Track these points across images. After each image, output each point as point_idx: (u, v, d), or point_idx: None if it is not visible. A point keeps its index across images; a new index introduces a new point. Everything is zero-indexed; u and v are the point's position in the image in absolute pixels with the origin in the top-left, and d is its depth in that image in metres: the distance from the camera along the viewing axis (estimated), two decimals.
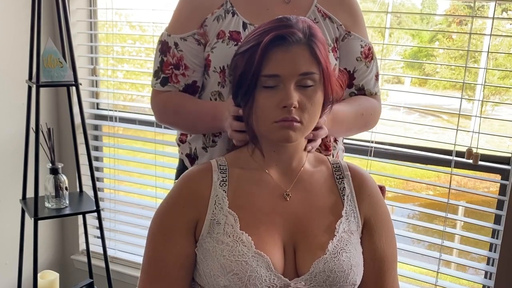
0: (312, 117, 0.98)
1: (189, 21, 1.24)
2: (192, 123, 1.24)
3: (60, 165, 1.93)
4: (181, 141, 1.35)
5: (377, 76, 1.33)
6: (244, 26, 1.21)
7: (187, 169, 1.31)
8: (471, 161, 1.78)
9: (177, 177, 1.40)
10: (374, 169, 1.96)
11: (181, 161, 1.37)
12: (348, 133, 1.34)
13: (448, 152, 1.84)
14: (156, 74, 1.26)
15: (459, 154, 1.81)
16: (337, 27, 1.25)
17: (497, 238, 1.83)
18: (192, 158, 1.32)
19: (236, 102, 1.04)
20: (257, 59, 0.95)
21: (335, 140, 1.31)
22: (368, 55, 1.29)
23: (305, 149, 1.06)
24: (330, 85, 1.00)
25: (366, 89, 1.32)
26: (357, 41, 1.27)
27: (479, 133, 1.75)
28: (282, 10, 1.21)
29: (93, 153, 2.36)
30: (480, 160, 1.78)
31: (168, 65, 1.24)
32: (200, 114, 1.22)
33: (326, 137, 1.17)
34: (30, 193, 1.94)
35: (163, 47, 1.25)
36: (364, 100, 1.30)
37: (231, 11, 1.22)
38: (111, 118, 2.43)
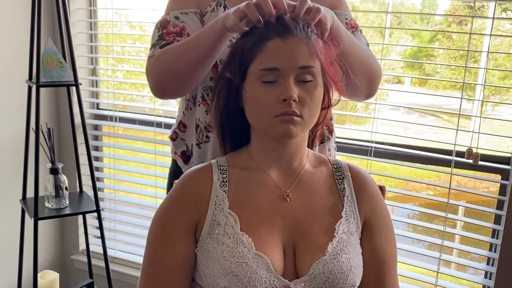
0: (312, 112, 0.98)
1: (187, 2, 1.23)
2: (191, 46, 1.13)
3: (60, 165, 1.93)
4: (172, 138, 1.34)
5: (367, 46, 1.31)
6: None
7: (180, 169, 1.32)
8: (471, 161, 1.78)
9: (170, 177, 1.40)
10: (374, 169, 1.96)
11: (174, 161, 1.37)
12: (351, 55, 1.14)
13: (448, 152, 1.84)
14: (154, 46, 1.20)
15: (459, 154, 1.81)
16: None
17: (497, 238, 1.83)
18: (187, 156, 1.32)
19: (219, 100, 1.03)
20: (253, 51, 0.95)
21: (328, 137, 1.31)
22: (355, 26, 1.28)
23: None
24: (330, 78, 1.00)
25: None
26: (342, 16, 1.26)
27: (479, 133, 1.75)
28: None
29: (93, 153, 2.36)
30: (480, 160, 1.78)
31: (169, 34, 1.19)
32: (199, 34, 1.13)
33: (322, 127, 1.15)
34: (30, 193, 1.94)
35: (163, 23, 1.22)
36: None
37: (223, 4, 1.23)
38: (111, 118, 2.43)
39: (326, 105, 1.04)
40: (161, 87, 1.20)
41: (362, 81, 1.19)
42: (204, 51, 1.11)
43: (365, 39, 1.32)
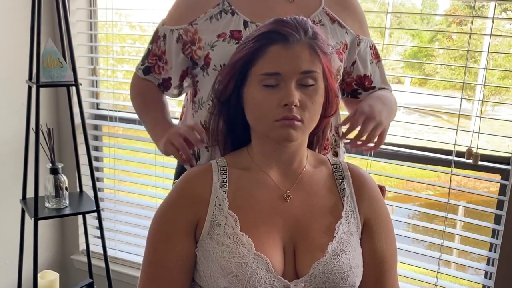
0: (313, 116, 0.98)
1: (183, 15, 1.26)
2: (146, 126, 1.35)
3: (60, 165, 1.93)
4: None
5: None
6: (245, 24, 1.20)
7: (186, 169, 1.32)
8: (471, 161, 1.78)
9: (176, 177, 1.40)
10: (374, 169, 1.96)
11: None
12: (391, 115, 1.29)
13: (448, 152, 1.84)
14: (142, 60, 1.32)
15: (459, 154, 1.81)
16: (346, 32, 1.26)
17: (497, 238, 1.83)
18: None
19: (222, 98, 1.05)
20: (256, 54, 0.95)
21: (336, 140, 1.31)
22: (376, 55, 1.33)
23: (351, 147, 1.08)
24: (329, 85, 1.00)
25: (378, 88, 1.36)
26: (367, 45, 1.31)
27: (479, 133, 1.75)
28: (286, 9, 1.20)
29: (93, 153, 2.36)
30: (480, 160, 1.78)
31: (153, 55, 1.30)
32: (154, 126, 1.32)
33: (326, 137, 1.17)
34: (30, 193, 1.94)
35: (155, 36, 1.30)
36: (383, 92, 1.34)
37: (230, 10, 1.21)
38: (111, 118, 2.43)
39: (324, 110, 1.03)
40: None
41: None
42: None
43: (383, 68, 1.37)
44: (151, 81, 1.32)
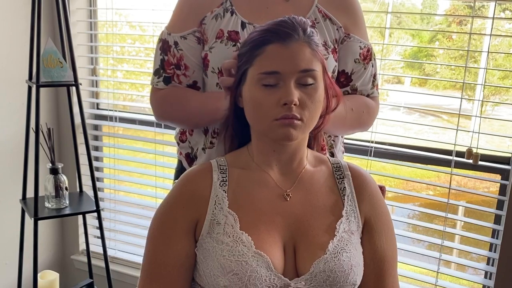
0: (313, 115, 0.98)
1: (188, 19, 1.24)
2: (197, 111, 1.23)
3: (60, 165, 1.93)
4: (181, 140, 1.35)
5: (374, 76, 1.32)
6: (243, 25, 1.21)
7: (185, 169, 1.32)
8: (471, 161, 1.79)
9: (176, 177, 1.40)
10: (374, 169, 1.96)
11: (180, 162, 1.38)
12: (340, 128, 1.28)
13: (448, 152, 1.84)
14: (157, 73, 1.26)
15: (459, 154, 1.81)
16: (337, 29, 1.25)
17: (497, 238, 1.83)
18: (191, 158, 1.32)
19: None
20: (255, 53, 0.96)
21: (333, 140, 1.31)
22: (367, 57, 1.29)
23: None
24: (328, 83, 1.01)
25: (359, 90, 1.31)
26: (356, 43, 1.27)
27: (479, 133, 1.75)
28: (282, 9, 1.21)
29: (93, 153, 2.36)
30: (480, 160, 1.78)
31: (169, 65, 1.24)
32: (205, 100, 1.22)
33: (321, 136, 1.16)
34: (30, 193, 1.94)
35: (164, 46, 1.25)
36: (356, 97, 1.30)
37: (230, 10, 1.22)
38: (111, 118, 2.43)
39: (324, 110, 1.03)
40: (163, 122, 1.41)
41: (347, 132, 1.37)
42: (198, 122, 1.25)
43: (375, 68, 1.32)
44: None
